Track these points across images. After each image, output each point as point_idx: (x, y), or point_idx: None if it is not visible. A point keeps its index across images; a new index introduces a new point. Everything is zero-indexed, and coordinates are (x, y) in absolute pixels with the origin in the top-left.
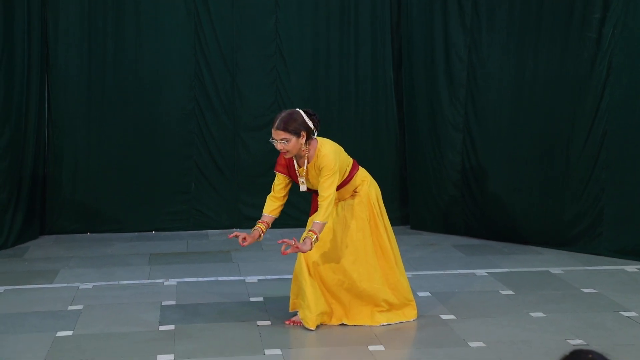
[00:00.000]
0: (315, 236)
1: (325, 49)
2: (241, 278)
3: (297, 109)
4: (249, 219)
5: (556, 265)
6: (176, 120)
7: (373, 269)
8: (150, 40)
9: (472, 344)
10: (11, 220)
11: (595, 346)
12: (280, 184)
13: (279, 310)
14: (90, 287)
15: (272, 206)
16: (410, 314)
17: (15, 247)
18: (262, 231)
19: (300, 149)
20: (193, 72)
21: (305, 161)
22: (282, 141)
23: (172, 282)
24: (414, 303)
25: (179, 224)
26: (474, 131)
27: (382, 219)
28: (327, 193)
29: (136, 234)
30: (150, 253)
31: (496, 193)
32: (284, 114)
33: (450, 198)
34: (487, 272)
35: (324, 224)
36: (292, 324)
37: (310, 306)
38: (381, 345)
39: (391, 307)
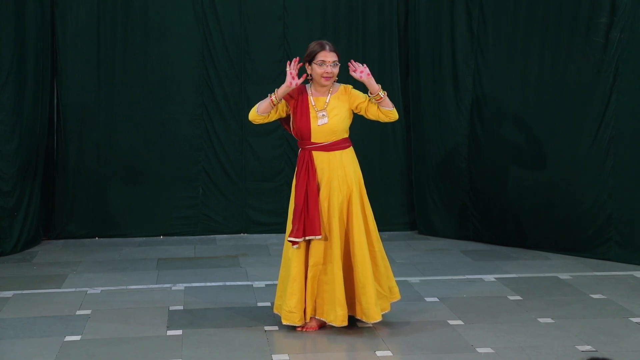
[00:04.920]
0: (384, 92)
1: None
2: (249, 283)
3: None
4: (257, 224)
5: (564, 270)
6: (184, 126)
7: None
8: (158, 46)
9: (480, 350)
10: (21, 224)
11: (604, 352)
12: (279, 111)
13: None
14: (99, 291)
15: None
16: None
17: (24, 252)
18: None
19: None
20: (201, 78)
21: (329, 93)
22: (334, 64)
23: (180, 287)
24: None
25: (187, 229)
26: (480, 136)
27: (365, 204)
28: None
29: (144, 239)
30: (158, 258)
31: (503, 198)
32: (325, 40)
33: (458, 203)
34: (495, 278)
35: (388, 102)
36: (303, 330)
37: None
38: (388, 351)
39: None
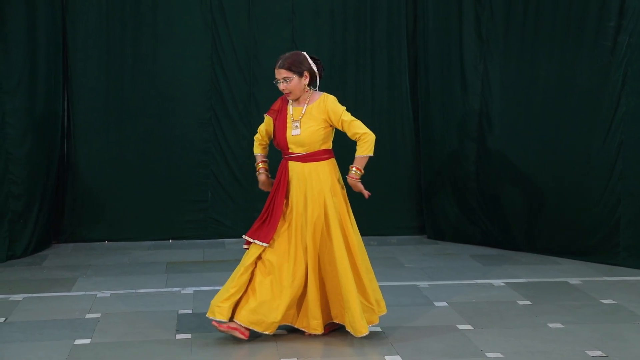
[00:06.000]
0: (355, 170)
1: (341, 58)
2: None
3: (302, 52)
4: None
5: (574, 275)
6: (193, 130)
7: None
8: (167, 50)
9: (489, 355)
10: (32, 228)
11: (615, 357)
12: (267, 128)
13: None
14: (108, 295)
15: (261, 147)
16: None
17: (34, 255)
18: (267, 170)
19: (303, 90)
20: (210, 81)
21: (305, 103)
22: (284, 80)
23: (189, 290)
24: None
25: (196, 233)
26: (488, 140)
27: (349, 215)
28: (362, 130)
29: (153, 242)
30: (167, 262)
31: (512, 202)
32: (287, 54)
33: (467, 207)
34: (504, 282)
35: (364, 158)
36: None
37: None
38: (398, 356)
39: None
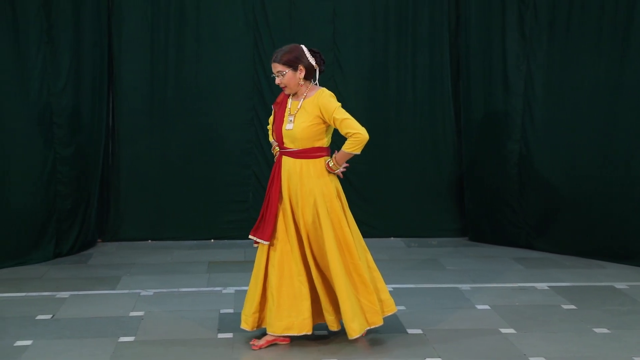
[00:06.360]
0: (333, 162)
1: (382, 58)
2: None
3: (301, 45)
4: None
5: (620, 280)
6: (235, 130)
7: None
8: (210, 51)
9: (533, 359)
10: (79, 227)
11: None
12: (273, 119)
13: None
14: (151, 294)
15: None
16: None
17: (80, 254)
18: None
19: (298, 84)
20: (252, 82)
21: (302, 98)
22: (279, 74)
23: (231, 290)
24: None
25: (237, 233)
26: (531, 142)
27: (345, 214)
28: (354, 130)
29: (195, 242)
30: (209, 261)
31: (555, 205)
32: (284, 47)
33: (509, 209)
34: (548, 286)
35: (348, 154)
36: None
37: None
38: (439, 358)
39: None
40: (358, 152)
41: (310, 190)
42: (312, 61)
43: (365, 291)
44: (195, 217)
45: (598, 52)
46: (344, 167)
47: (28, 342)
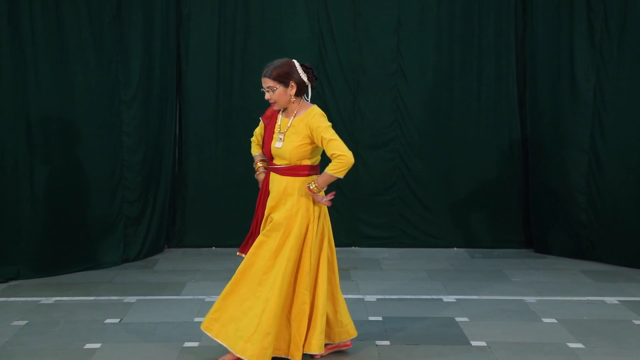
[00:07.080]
0: (314, 185)
1: (447, 67)
2: (360, 296)
3: (293, 60)
4: (368, 238)
5: None
6: None
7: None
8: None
9: None
10: (145, 233)
11: None
12: (260, 132)
13: (398, 330)
14: (215, 300)
15: (258, 147)
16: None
17: (146, 259)
18: (266, 169)
19: (289, 100)
20: (316, 92)
21: (293, 115)
22: (269, 89)
23: None
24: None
25: None
26: (600, 152)
27: (327, 233)
28: (340, 151)
29: None
30: None
31: (626, 217)
32: (275, 62)
33: (576, 221)
34: (618, 300)
35: (331, 177)
36: None
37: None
38: None
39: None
40: (341, 175)
41: (290, 210)
42: (304, 77)
43: (302, 321)
44: None
45: None
46: (329, 199)
47: (97, 345)
